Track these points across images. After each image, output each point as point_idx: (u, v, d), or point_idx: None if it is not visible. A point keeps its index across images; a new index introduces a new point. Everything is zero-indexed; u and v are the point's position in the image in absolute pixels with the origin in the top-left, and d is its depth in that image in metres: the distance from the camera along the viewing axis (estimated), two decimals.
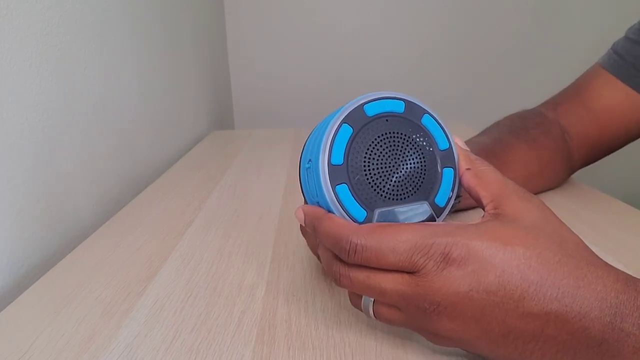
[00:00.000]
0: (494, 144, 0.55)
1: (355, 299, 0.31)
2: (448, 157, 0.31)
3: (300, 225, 0.36)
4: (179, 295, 0.40)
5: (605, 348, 0.25)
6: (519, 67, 1.66)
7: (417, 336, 0.33)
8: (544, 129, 0.58)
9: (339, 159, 0.29)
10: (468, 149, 0.33)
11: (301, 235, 0.51)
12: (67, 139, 0.57)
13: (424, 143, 0.30)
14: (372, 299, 0.30)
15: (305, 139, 0.34)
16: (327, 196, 0.29)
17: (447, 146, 0.31)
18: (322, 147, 0.29)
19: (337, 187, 0.29)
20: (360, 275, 0.29)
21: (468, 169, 0.31)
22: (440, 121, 0.31)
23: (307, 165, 0.31)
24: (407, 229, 0.27)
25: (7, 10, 0.46)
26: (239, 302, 0.39)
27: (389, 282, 0.28)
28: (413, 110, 0.31)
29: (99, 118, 0.65)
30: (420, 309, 0.27)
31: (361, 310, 0.31)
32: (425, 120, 0.31)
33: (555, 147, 0.58)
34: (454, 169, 0.31)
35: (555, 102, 0.62)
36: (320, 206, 0.31)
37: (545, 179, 0.59)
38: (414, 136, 0.30)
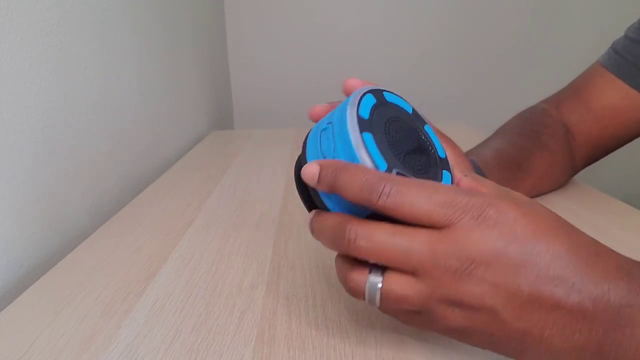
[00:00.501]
0: (516, 152, 0.55)
1: (358, 281, 0.28)
2: (445, 164, 0.32)
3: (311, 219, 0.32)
4: (179, 295, 0.40)
5: (623, 313, 0.25)
6: (519, 67, 1.66)
7: (416, 336, 0.33)
8: (552, 131, 0.58)
9: (365, 114, 0.29)
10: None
11: (301, 235, 0.51)
12: (67, 139, 0.57)
13: (427, 143, 0.32)
14: (381, 278, 0.27)
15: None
16: (352, 141, 0.28)
17: (444, 156, 0.33)
18: (350, 102, 0.29)
19: (364, 133, 0.28)
20: (383, 233, 0.26)
21: (465, 175, 0.32)
22: (436, 136, 0.34)
23: (324, 127, 0.31)
24: (441, 185, 0.27)
25: (7, 10, 0.46)
26: (239, 302, 0.39)
27: (418, 237, 0.26)
28: (418, 117, 0.33)
29: (99, 118, 0.65)
30: (448, 270, 0.25)
31: (361, 296, 0.28)
32: (427, 129, 0.33)
33: (562, 151, 0.58)
34: (451, 175, 0.32)
35: (557, 100, 0.62)
36: (345, 152, 0.29)
37: (552, 182, 0.60)
38: (420, 134, 0.32)
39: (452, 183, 0.31)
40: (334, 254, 0.48)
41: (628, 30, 0.59)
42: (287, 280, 0.42)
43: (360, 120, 0.29)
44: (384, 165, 0.28)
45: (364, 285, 0.27)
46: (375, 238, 0.26)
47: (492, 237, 0.25)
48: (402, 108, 0.32)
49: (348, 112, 0.29)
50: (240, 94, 1.65)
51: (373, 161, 0.28)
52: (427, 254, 0.26)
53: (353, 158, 0.28)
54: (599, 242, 0.28)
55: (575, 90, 0.61)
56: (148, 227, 0.55)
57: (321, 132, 0.31)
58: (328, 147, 0.30)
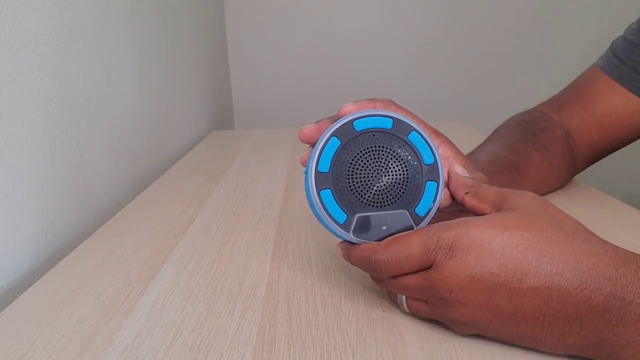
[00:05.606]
0: (512, 155, 0.55)
1: (393, 296, 0.36)
2: (432, 171, 0.34)
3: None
4: (179, 295, 0.40)
5: (609, 317, 0.27)
6: (518, 67, 1.66)
7: (417, 335, 0.34)
8: (552, 135, 0.58)
9: (325, 167, 0.33)
10: (468, 175, 0.36)
11: (301, 235, 0.52)
12: (67, 139, 0.57)
13: (409, 157, 0.33)
14: (404, 298, 0.35)
15: None
16: (312, 199, 0.33)
17: (432, 161, 0.34)
18: (311, 157, 0.33)
19: (322, 191, 0.33)
20: (390, 279, 0.33)
21: (467, 193, 0.34)
22: (427, 138, 0.34)
23: (305, 172, 0.35)
24: (415, 234, 0.31)
25: (8, 10, 0.46)
26: (239, 302, 0.39)
27: (411, 281, 0.32)
28: (401, 127, 0.34)
29: (99, 118, 0.65)
30: (438, 299, 0.31)
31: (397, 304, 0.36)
32: (412, 137, 0.34)
33: (562, 152, 0.58)
34: (438, 182, 0.34)
35: (558, 104, 0.62)
36: (311, 207, 0.34)
37: (553, 183, 0.60)
38: (398, 150, 0.33)
39: (437, 192, 0.34)
40: (334, 253, 0.48)
41: (627, 31, 0.59)
42: (287, 280, 0.42)
43: (318, 177, 0.33)
44: (342, 217, 0.33)
45: (396, 299, 0.36)
46: (387, 283, 0.34)
47: (462, 267, 0.29)
48: (377, 129, 0.33)
49: (309, 168, 0.33)
50: (240, 94, 1.65)
51: (331, 216, 0.33)
52: (420, 292, 0.32)
53: (316, 214, 0.33)
54: (582, 241, 0.29)
55: (577, 94, 0.61)
56: (148, 227, 0.55)
57: (305, 175, 0.35)
58: (307, 192, 0.34)
